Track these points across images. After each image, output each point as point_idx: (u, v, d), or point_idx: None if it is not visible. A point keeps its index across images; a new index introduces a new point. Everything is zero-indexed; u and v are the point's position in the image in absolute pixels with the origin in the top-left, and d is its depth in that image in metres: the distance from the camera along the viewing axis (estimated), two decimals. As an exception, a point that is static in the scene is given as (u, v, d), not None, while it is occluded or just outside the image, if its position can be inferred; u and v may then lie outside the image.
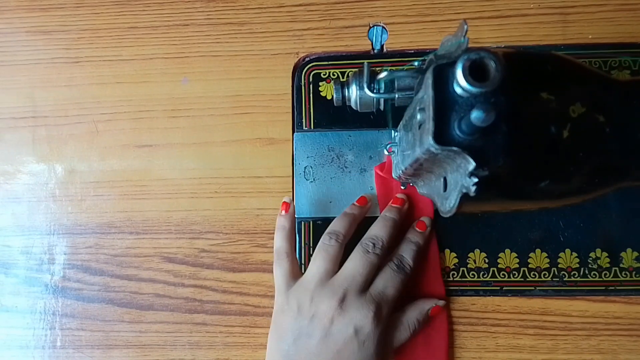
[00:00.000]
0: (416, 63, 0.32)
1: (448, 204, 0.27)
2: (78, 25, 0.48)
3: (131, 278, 0.45)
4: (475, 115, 0.21)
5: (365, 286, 0.38)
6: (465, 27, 0.24)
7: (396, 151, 0.38)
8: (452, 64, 0.23)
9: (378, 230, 0.40)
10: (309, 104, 0.45)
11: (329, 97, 0.45)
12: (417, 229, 0.41)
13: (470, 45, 0.24)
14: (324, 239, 0.39)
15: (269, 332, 0.39)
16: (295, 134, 0.45)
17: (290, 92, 0.46)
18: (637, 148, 0.28)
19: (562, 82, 0.27)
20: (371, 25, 0.46)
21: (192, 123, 0.46)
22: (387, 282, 0.38)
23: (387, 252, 0.40)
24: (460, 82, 0.22)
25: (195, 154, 0.46)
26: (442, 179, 0.29)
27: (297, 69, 0.46)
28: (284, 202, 0.41)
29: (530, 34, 0.45)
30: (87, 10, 0.48)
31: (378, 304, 0.37)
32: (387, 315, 0.38)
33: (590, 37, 0.44)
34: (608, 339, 0.42)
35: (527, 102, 0.25)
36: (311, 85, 0.45)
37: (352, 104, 0.35)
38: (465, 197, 0.25)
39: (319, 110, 0.45)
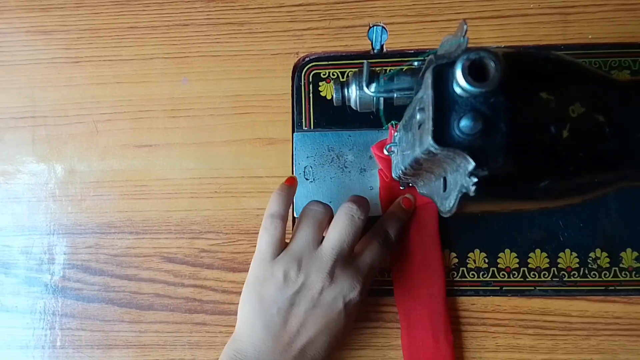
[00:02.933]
0: (416, 63, 0.32)
1: (448, 204, 0.27)
2: (78, 25, 0.48)
3: (131, 278, 0.45)
4: (464, 123, 0.22)
5: (351, 255, 0.38)
6: (465, 27, 0.24)
7: (396, 151, 0.38)
8: (452, 64, 0.23)
9: (364, 200, 0.39)
10: (309, 104, 0.45)
11: (328, 97, 0.45)
12: (403, 204, 0.42)
13: (470, 45, 0.24)
14: (310, 205, 0.39)
15: (239, 303, 0.38)
16: (295, 134, 0.45)
17: (290, 92, 0.46)
18: (637, 148, 0.28)
19: (561, 82, 0.27)
20: (371, 25, 0.46)
21: (192, 123, 0.46)
22: (374, 255, 0.39)
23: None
24: (460, 82, 0.22)
25: (195, 154, 0.46)
26: (441, 179, 0.29)
27: (297, 69, 0.46)
28: (291, 177, 0.41)
29: (530, 34, 0.45)
30: (86, 10, 0.48)
31: (365, 277, 0.38)
32: (368, 287, 0.39)
33: (590, 37, 0.44)
34: (608, 339, 0.42)
35: (526, 102, 0.25)
36: (311, 85, 0.45)
37: (352, 104, 0.35)
38: (465, 197, 0.25)
39: (318, 110, 0.45)
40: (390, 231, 0.40)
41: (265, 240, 0.37)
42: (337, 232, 0.37)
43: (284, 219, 0.38)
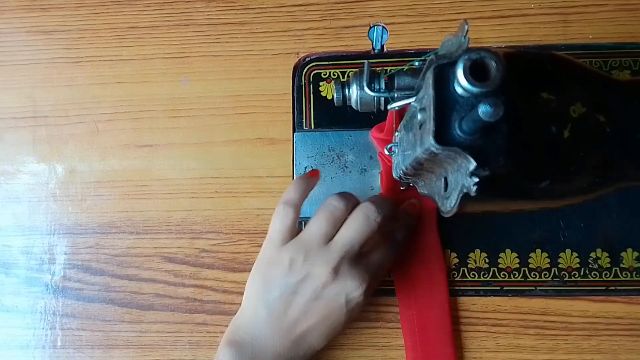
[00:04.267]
0: (417, 63, 0.32)
1: (449, 204, 0.27)
2: (78, 25, 0.48)
3: (132, 278, 0.45)
4: (483, 109, 0.21)
5: (360, 255, 0.38)
6: (466, 27, 0.24)
7: (397, 151, 0.38)
8: (453, 64, 0.23)
9: (384, 203, 0.39)
10: (310, 104, 0.45)
11: (329, 97, 0.45)
12: (409, 211, 0.42)
13: (470, 45, 0.24)
14: (332, 199, 0.38)
15: (248, 279, 0.39)
16: (295, 134, 0.45)
17: (291, 92, 0.46)
18: (637, 148, 0.28)
19: (562, 82, 0.27)
20: (371, 25, 0.46)
21: (192, 123, 0.46)
22: (383, 258, 0.39)
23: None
24: (461, 82, 0.22)
25: (196, 154, 0.46)
26: (442, 179, 0.29)
27: (298, 69, 0.46)
28: (315, 170, 0.42)
29: (530, 34, 0.45)
30: (87, 10, 0.48)
31: (371, 278, 0.37)
32: (374, 288, 0.39)
33: (590, 37, 0.44)
34: (608, 339, 0.42)
35: (527, 102, 0.25)
36: (311, 85, 0.45)
37: (353, 104, 0.35)
38: (466, 197, 0.25)
39: (319, 110, 0.45)
40: (398, 235, 0.40)
41: (276, 226, 0.38)
42: (350, 231, 0.37)
43: (297, 207, 0.38)
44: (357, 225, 0.37)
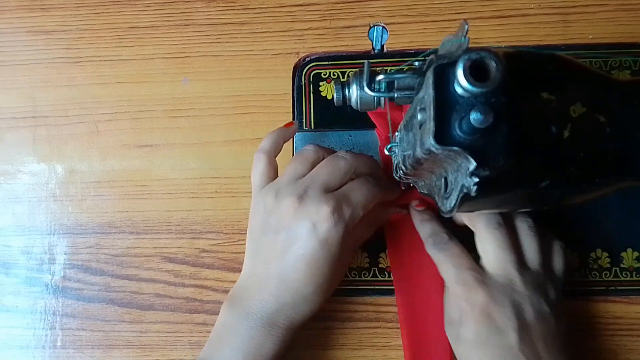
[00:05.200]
0: (416, 63, 0.32)
1: (449, 204, 0.28)
2: (78, 25, 0.48)
3: (132, 278, 0.45)
4: (474, 117, 0.21)
5: (329, 188, 0.36)
6: (466, 27, 0.24)
7: (397, 151, 0.38)
8: (453, 64, 0.23)
9: (358, 154, 0.39)
10: (310, 104, 0.45)
11: (329, 97, 0.45)
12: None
13: (470, 45, 0.24)
14: (306, 146, 0.39)
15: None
16: (295, 134, 0.45)
17: (291, 92, 0.46)
18: (637, 148, 0.28)
19: (562, 82, 0.27)
20: (371, 25, 0.46)
21: (192, 123, 0.46)
22: (354, 186, 0.37)
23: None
24: (461, 82, 0.22)
25: (196, 154, 0.46)
26: (442, 179, 0.29)
27: (298, 69, 0.46)
28: (291, 122, 0.42)
29: (530, 34, 0.45)
30: (87, 10, 0.48)
31: (338, 202, 0.35)
32: (350, 218, 0.35)
33: (590, 37, 0.44)
34: (608, 339, 0.42)
35: (527, 102, 0.25)
36: (311, 85, 0.45)
37: (353, 104, 0.35)
38: (465, 197, 0.25)
39: (319, 110, 0.45)
40: (382, 178, 0.39)
41: (254, 175, 0.39)
42: (318, 167, 0.37)
43: (269, 153, 0.39)
44: (326, 162, 0.37)
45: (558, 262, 0.38)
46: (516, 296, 0.36)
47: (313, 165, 0.38)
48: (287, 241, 0.35)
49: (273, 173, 0.39)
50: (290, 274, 0.35)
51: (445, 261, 0.38)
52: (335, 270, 0.36)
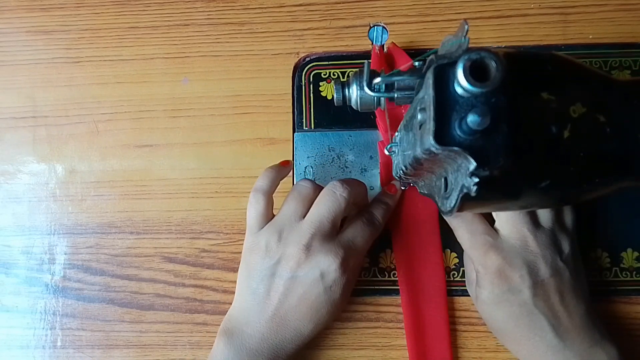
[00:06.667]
0: (417, 63, 0.32)
1: (449, 204, 0.27)
2: (78, 25, 0.48)
3: (132, 278, 0.45)
4: (471, 119, 0.22)
5: (332, 232, 0.38)
6: (466, 27, 0.24)
7: (397, 151, 0.38)
8: (453, 64, 0.23)
9: (352, 181, 0.39)
10: (310, 104, 0.45)
11: (329, 97, 0.45)
12: (388, 191, 0.42)
13: (470, 45, 0.24)
14: (300, 181, 0.39)
15: (238, 271, 0.40)
16: (295, 134, 0.45)
17: (291, 92, 0.46)
18: (637, 148, 0.28)
19: (562, 82, 0.27)
20: (372, 25, 0.46)
21: (192, 123, 0.46)
22: (356, 232, 0.39)
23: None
24: (461, 82, 0.22)
25: (196, 154, 0.46)
26: (442, 179, 0.29)
27: (298, 69, 0.46)
28: (286, 160, 0.42)
29: (530, 34, 0.45)
30: (87, 10, 0.48)
31: (345, 252, 0.37)
32: (354, 266, 0.39)
33: (590, 37, 0.44)
34: (608, 339, 0.42)
35: (527, 102, 0.25)
36: (311, 85, 0.45)
37: (353, 104, 0.35)
38: (465, 197, 0.25)
39: (319, 110, 0.45)
40: (376, 212, 0.40)
41: (250, 214, 0.39)
42: (317, 208, 0.38)
43: (267, 194, 0.39)
44: (324, 200, 0.38)
45: (568, 217, 0.39)
46: (530, 256, 0.36)
47: (310, 202, 0.38)
48: (292, 285, 0.37)
49: (271, 213, 0.40)
50: (292, 314, 0.37)
51: (460, 226, 0.39)
52: (336, 310, 0.38)
